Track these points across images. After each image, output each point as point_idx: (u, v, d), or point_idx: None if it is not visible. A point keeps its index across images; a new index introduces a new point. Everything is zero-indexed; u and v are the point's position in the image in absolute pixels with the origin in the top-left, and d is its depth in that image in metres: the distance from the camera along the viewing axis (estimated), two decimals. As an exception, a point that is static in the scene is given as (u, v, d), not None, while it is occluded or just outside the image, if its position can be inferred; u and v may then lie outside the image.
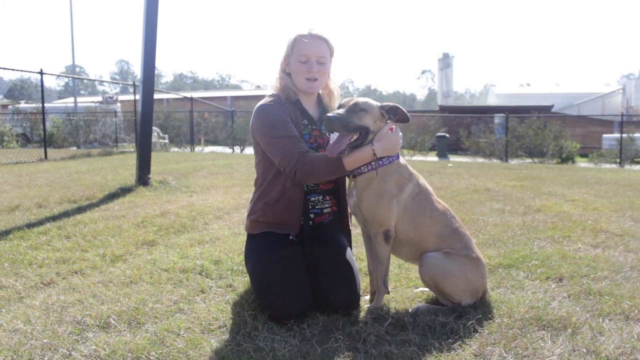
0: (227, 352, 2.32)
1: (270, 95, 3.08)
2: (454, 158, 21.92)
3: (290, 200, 2.98)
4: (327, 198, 3.12)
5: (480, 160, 21.12)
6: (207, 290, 3.24)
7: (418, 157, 21.62)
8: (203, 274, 3.55)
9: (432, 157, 22.24)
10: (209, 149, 24.69)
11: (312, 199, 3.07)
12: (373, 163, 2.81)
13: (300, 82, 3.02)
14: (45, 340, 2.45)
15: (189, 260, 3.82)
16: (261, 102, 3.04)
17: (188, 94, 33.87)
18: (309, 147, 2.92)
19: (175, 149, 23.78)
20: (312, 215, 3.07)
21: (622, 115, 25.36)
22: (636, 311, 2.93)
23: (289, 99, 3.05)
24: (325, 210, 3.11)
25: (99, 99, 33.27)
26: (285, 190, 2.99)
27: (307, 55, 2.98)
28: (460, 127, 26.37)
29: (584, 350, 2.42)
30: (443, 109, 36.21)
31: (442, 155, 23.60)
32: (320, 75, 3.04)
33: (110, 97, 30.64)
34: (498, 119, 26.22)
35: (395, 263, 3.78)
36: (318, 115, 3.16)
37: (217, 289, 3.25)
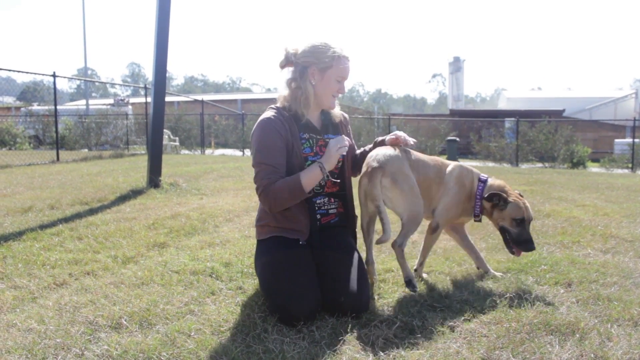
0: (236, 354, 2.35)
1: (274, 108, 3.13)
2: (465, 162, 21.85)
3: (297, 205, 3.03)
4: (333, 200, 3.17)
5: (490, 164, 21.08)
6: (217, 292, 3.27)
7: (428, 161, 21.55)
8: (213, 276, 3.58)
9: (442, 161, 22.15)
10: (219, 151, 24.80)
11: (318, 201, 3.13)
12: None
13: (328, 98, 3.14)
14: (58, 340, 2.49)
15: (200, 262, 3.85)
16: (264, 115, 3.11)
17: (199, 97, 34.08)
18: (313, 160, 3.07)
19: (186, 152, 23.87)
20: (318, 216, 3.11)
21: (635, 119, 25.13)
22: (646, 316, 2.94)
23: (294, 112, 3.10)
24: (331, 211, 3.16)
25: (111, 101, 33.47)
26: None
27: (344, 77, 3.12)
28: (471, 131, 26.28)
29: (592, 355, 2.43)
30: (453, 112, 36.20)
31: (452, 159, 23.54)
32: None
33: (121, 100, 30.87)
34: (508, 123, 26.16)
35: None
36: (322, 125, 3.25)
37: (227, 291, 3.28)
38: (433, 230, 3.62)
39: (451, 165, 3.68)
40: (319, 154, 3.11)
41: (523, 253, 3.59)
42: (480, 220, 3.67)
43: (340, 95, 3.19)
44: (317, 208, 3.11)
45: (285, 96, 3.14)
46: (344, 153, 3.04)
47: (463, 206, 3.64)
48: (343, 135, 3.09)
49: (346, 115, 3.45)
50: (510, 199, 3.49)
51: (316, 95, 3.10)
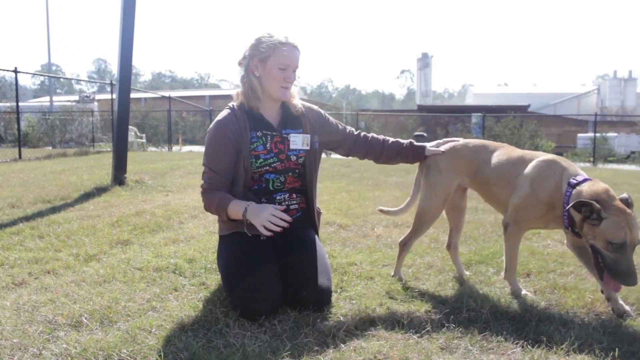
0: (197, 349, 2.35)
1: (229, 107, 3.13)
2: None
3: (255, 202, 3.03)
4: (295, 196, 3.17)
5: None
6: (180, 288, 3.25)
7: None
8: (177, 272, 3.56)
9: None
10: (187, 148, 24.58)
11: (278, 197, 3.12)
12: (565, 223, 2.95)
13: (275, 88, 3.05)
14: (15, 340, 2.45)
15: (163, 259, 3.83)
16: (219, 115, 3.12)
17: (166, 93, 33.66)
18: (269, 157, 3.08)
19: (153, 149, 23.63)
20: None
21: (596, 115, 25.75)
22: (597, 304, 3.03)
23: (250, 108, 3.09)
24: (292, 207, 3.16)
25: (76, 98, 32.91)
26: (246, 195, 3.06)
27: (287, 64, 3.02)
28: (438, 127, 26.61)
29: (547, 341, 2.49)
30: (421, 108, 36.53)
31: (420, 154, 23.79)
32: (293, 84, 3.11)
33: (87, 96, 30.38)
34: (475, 118, 26.56)
35: (367, 260, 3.84)
36: (280, 119, 3.19)
37: (190, 287, 3.27)
38: (504, 229, 3.25)
39: (535, 161, 3.15)
40: (273, 151, 3.08)
41: (486, 246, 3.58)
42: (579, 237, 2.88)
43: (288, 86, 3.09)
44: (277, 204, 3.11)
45: (238, 93, 3.14)
46: (268, 233, 2.86)
47: (542, 212, 3.07)
48: (274, 212, 2.86)
49: (313, 107, 3.36)
50: (604, 214, 2.69)
51: (263, 87, 3.06)
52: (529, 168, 3.12)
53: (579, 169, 3.05)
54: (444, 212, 3.57)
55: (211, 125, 3.10)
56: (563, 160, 3.11)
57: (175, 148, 24.22)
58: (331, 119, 3.44)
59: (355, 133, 3.50)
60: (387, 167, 12.88)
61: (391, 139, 3.54)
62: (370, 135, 3.55)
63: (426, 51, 60.31)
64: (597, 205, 2.68)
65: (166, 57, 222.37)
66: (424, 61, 58.95)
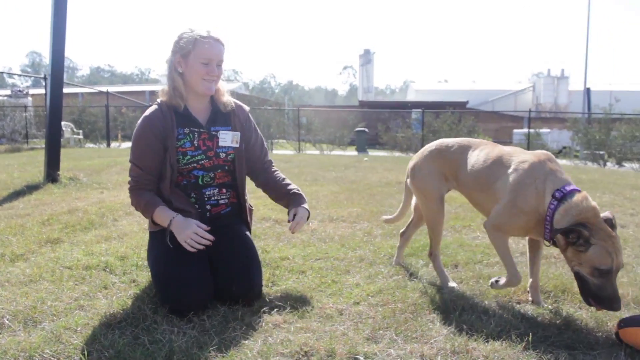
0: (122, 346, 2.33)
1: (157, 103, 3.10)
2: (373, 152, 22.38)
3: (182, 199, 3.04)
4: (224, 191, 3.17)
5: (397, 154, 21.67)
6: (110, 286, 3.21)
7: (337, 152, 21.92)
8: (107, 270, 3.51)
9: (352, 152, 22.60)
10: (127, 144, 24.01)
11: (208, 192, 3.12)
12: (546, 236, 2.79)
13: (198, 83, 3.01)
14: None
15: (94, 257, 3.76)
16: (146, 111, 3.08)
17: (104, 88, 32.76)
18: (197, 154, 3.05)
19: (91, 145, 22.99)
20: (208, 207, 3.11)
21: (530, 111, 26.71)
22: (519, 292, 3.18)
23: (174, 106, 3.06)
24: (221, 201, 3.16)
25: (8, 92, 31.59)
26: (173, 191, 3.04)
27: (209, 58, 2.98)
28: (379, 122, 26.95)
29: (469, 329, 2.60)
30: (362, 104, 36.90)
31: (361, 149, 24.07)
32: (218, 78, 3.08)
33: (20, 91, 29.15)
34: (415, 114, 27.06)
35: (300, 255, 3.88)
36: (210, 116, 3.16)
37: (120, 285, 3.23)
38: (485, 228, 3.10)
39: (514, 164, 2.92)
40: (201, 148, 3.06)
41: (417, 239, 3.62)
42: (557, 246, 2.76)
43: (213, 80, 3.04)
44: (206, 199, 3.11)
45: (163, 89, 3.11)
46: (191, 249, 2.85)
47: (522, 222, 2.87)
48: (197, 230, 2.86)
49: (244, 107, 3.34)
50: (593, 240, 2.55)
51: (187, 83, 3.03)
52: (508, 172, 2.92)
53: (562, 172, 2.84)
54: (412, 205, 3.66)
55: (141, 120, 3.06)
56: (545, 162, 2.87)
57: (114, 144, 23.63)
58: (256, 132, 3.37)
59: (267, 160, 3.40)
60: (327, 162, 13.05)
61: (286, 182, 3.34)
62: (274, 170, 3.41)
63: (368, 47, 60.96)
64: (586, 233, 2.54)
65: (105, 51, 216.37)
66: (366, 57, 59.50)
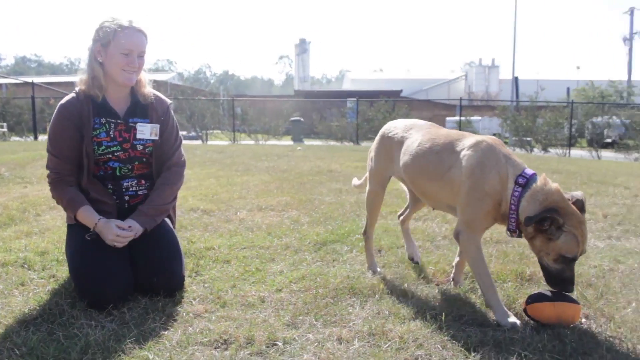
0: (35, 342, 2.27)
1: (74, 92, 3.01)
2: (309, 142, 22.47)
3: (99, 190, 2.99)
4: (143, 182, 3.12)
5: (332, 143, 21.83)
6: (27, 282, 3.11)
7: (272, 142, 21.88)
8: (25, 266, 3.39)
9: (287, 142, 22.61)
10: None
11: (126, 184, 3.06)
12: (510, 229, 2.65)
13: (118, 74, 2.94)
14: None
15: (12, 253, 3.63)
16: (62, 100, 3.00)
17: (29, 79, 31.40)
18: (112, 145, 2.99)
19: (17, 138, 22.05)
20: (126, 197, 3.06)
21: (461, 99, 27.42)
22: (438, 275, 3.29)
23: (91, 95, 2.98)
24: (140, 192, 3.11)
25: None
26: (91, 181, 2.99)
27: (130, 49, 2.91)
28: (314, 112, 27.07)
29: (387, 312, 2.67)
30: (298, 93, 36.90)
31: (297, 139, 24.10)
32: (139, 69, 3.01)
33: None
34: (350, 103, 27.28)
35: (226, 244, 3.87)
36: (129, 107, 3.09)
37: (38, 281, 3.13)
38: (457, 240, 2.87)
39: (466, 150, 2.76)
40: (117, 139, 3.00)
41: (343, 225, 3.66)
42: (520, 237, 2.65)
43: (133, 71, 2.96)
44: (124, 190, 3.05)
45: (82, 79, 3.03)
46: (117, 244, 2.80)
47: (489, 206, 2.68)
48: (119, 233, 2.80)
49: (165, 101, 3.24)
50: (566, 227, 2.45)
51: (107, 73, 2.96)
52: (461, 157, 2.76)
53: (515, 156, 2.72)
54: (405, 188, 3.57)
55: (57, 109, 2.98)
56: (500, 146, 2.74)
57: (41, 137, 22.72)
58: (173, 128, 3.22)
59: (174, 161, 3.18)
60: (261, 152, 13.01)
61: (159, 190, 3.07)
62: (167, 175, 3.14)
63: (304, 37, 60.84)
64: (560, 220, 2.43)
65: (32, 40, 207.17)
66: (302, 47, 59.42)
